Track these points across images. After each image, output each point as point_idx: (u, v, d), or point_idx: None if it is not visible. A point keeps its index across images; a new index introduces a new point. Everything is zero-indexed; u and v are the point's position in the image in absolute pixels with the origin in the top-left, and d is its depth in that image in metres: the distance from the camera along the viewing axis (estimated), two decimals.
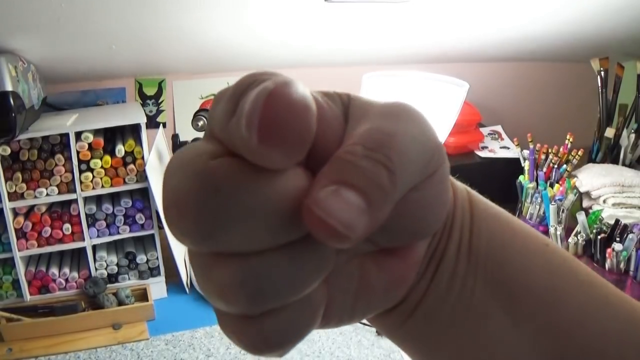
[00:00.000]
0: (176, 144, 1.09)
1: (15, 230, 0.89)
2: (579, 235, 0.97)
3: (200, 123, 1.02)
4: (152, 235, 0.98)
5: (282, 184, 0.14)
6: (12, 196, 0.88)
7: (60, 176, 0.90)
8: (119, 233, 0.96)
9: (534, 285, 0.20)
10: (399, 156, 0.15)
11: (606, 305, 0.21)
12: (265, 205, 0.14)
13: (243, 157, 0.14)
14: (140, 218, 0.96)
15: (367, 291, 0.18)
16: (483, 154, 1.36)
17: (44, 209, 0.92)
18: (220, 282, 0.14)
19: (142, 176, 0.94)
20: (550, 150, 1.16)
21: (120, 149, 0.92)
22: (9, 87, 0.78)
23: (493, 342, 0.20)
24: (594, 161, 1.36)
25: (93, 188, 0.92)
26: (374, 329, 0.92)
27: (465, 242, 0.20)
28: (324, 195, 0.13)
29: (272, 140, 0.13)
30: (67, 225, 0.92)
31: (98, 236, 0.95)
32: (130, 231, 0.96)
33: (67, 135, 0.88)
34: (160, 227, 0.97)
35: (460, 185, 0.21)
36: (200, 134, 1.07)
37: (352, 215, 0.13)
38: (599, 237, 0.94)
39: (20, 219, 0.89)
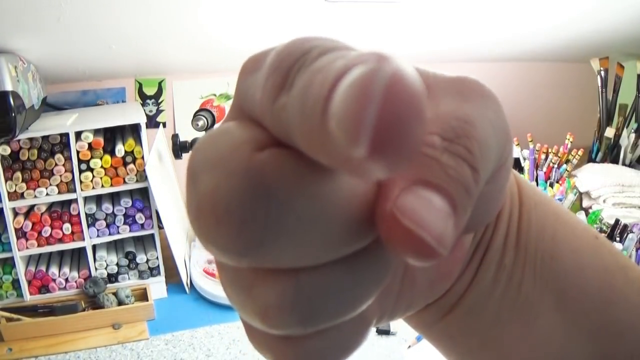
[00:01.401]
0: (176, 143, 1.09)
1: (15, 230, 0.89)
2: None
3: (200, 123, 1.02)
4: (152, 235, 0.98)
5: (348, 185, 0.11)
6: (12, 196, 0.88)
7: (60, 176, 0.90)
8: (119, 233, 0.96)
9: (587, 282, 0.19)
10: (480, 148, 0.12)
11: None
12: (330, 212, 0.11)
13: (294, 148, 0.10)
14: (140, 218, 0.96)
15: (411, 288, 0.17)
16: None
17: (44, 208, 0.92)
18: (265, 302, 0.11)
19: (142, 176, 0.94)
20: (550, 150, 1.16)
21: (120, 149, 0.92)
22: (9, 87, 0.78)
23: (541, 342, 0.19)
24: (594, 161, 1.36)
25: (93, 188, 0.92)
26: (374, 329, 0.92)
27: (513, 233, 0.18)
28: (410, 200, 0.10)
29: (387, 151, 0.09)
30: (67, 225, 0.92)
31: (98, 236, 0.95)
32: (130, 231, 0.96)
33: (67, 135, 0.88)
34: (160, 227, 0.97)
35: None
36: (201, 134, 1.07)
37: (442, 225, 0.10)
38: None
39: (20, 218, 0.89)
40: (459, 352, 0.20)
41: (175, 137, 1.10)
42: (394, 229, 0.10)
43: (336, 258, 0.11)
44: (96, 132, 0.92)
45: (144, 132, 0.94)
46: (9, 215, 0.87)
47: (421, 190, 0.11)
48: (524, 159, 1.18)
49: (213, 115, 1.05)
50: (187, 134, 1.12)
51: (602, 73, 1.31)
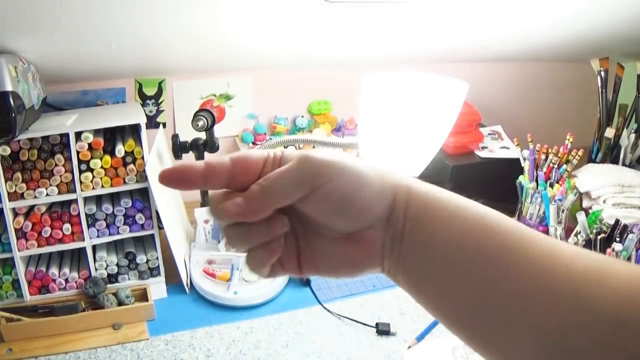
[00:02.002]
0: (176, 144, 1.09)
1: (15, 230, 0.89)
2: (579, 236, 0.97)
3: (200, 123, 1.02)
4: (152, 235, 0.98)
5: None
6: (12, 196, 0.88)
7: (60, 176, 0.90)
8: (119, 233, 0.96)
9: (454, 250, 0.30)
10: (270, 182, 0.31)
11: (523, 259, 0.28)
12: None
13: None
14: (140, 218, 0.96)
15: (347, 259, 0.33)
16: (483, 154, 1.36)
17: (43, 209, 0.92)
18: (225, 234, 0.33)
19: (142, 176, 0.94)
20: (550, 150, 1.16)
21: (120, 149, 0.92)
22: (9, 87, 0.78)
23: (441, 288, 0.31)
24: (594, 161, 1.36)
25: (93, 188, 0.92)
26: (374, 329, 0.92)
27: (400, 226, 0.32)
28: (228, 201, 0.31)
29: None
30: (67, 225, 0.92)
31: (98, 236, 0.95)
32: (130, 231, 0.96)
33: (67, 135, 0.88)
34: (160, 227, 0.97)
35: (404, 183, 0.32)
36: (201, 134, 1.07)
37: (231, 206, 0.31)
38: (599, 237, 0.94)
39: (20, 219, 0.89)
40: (412, 283, 0.33)
41: (175, 137, 1.10)
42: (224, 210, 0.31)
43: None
44: (96, 132, 0.92)
45: (144, 133, 0.94)
46: (9, 216, 0.87)
47: (236, 195, 0.31)
48: (524, 159, 1.18)
49: (213, 116, 1.05)
50: (187, 134, 1.12)
51: (602, 73, 1.31)
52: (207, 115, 1.04)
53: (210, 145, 1.09)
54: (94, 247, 0.96)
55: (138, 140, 0.94)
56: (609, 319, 0.23)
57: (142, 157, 0.94)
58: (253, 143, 1.35)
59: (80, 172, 0.90)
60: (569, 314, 0.24)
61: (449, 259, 0.29)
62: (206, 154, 1.12)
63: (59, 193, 0.90)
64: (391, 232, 0.32)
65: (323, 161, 0.30)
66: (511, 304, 0.27)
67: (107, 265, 0.96)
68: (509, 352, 0.27)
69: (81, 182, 0.91)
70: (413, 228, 0.31)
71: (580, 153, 1.14)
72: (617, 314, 0.23)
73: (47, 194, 0.90)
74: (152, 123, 1.28)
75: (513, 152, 1.33)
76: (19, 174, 0.87)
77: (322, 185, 0.30)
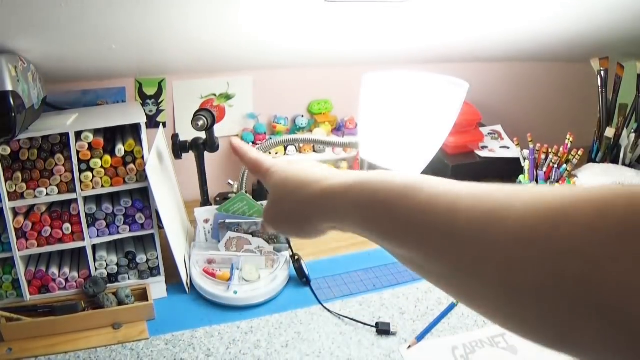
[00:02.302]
0: (176, 143, 1.09)
1: (15, 230, 0.89)
2: None
3: (200, 122, 1.02)
4: (152, 235, 0.98)
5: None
6: (12, 196, 0.88)
7: (60, 176, 0.90)
8: (119, 233, 0.96)
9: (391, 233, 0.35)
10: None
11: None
12: None
13: None
14: (140, 218, 0.96)
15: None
16: (483, 153, 1.36)
17: (43, 208, 0.92)
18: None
19: (142, 176, 0.94)
20: (550, 150, 1.16)
21: (120, 149, 0.92)
22: (9, 87, 0.78)
23: (402, 259, 0.36)
24: (594, 161, 1.36)
25: (93, 188, 0.92)
26: (374, 329, 0.92)
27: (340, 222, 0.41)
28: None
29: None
30: (67, 225, 0.92)
31: (98, 236, 0.95)
32: (130, 231, 0.96)
33: (67, 135, 0.88)
34: (160, 227, 0.97)
35: (349, 202, 0.39)
36: (201, 134, 1.07)
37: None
38: None
39: (20, 218, 0.89)
40: (388, 248, 0.37)
41: (175, 137, 1.10)
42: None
43: None
44: (96, 132, 0.92)
45: (144, 132, 0.94)
46: (9, 215, 0.87)
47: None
48: (524, 158, 1.18)
49: (213, 115, 1.05)
50: (187, 134, 1.12)
51: (602, 73, 1.31)
52: (207, 115, 1.04)
53: (210, 144, 1.09)
54: (94, 247, 0.96)
55: (138, 140, 0.94)
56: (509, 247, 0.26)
57: (142, 157, 0.94)
58: (253, 143, 1.35)
59: (80, 171, 0.90)
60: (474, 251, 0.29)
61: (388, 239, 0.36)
62: (206, 153, 1.12)
63: (59, 193, 0.90)
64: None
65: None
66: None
67: (107, 265, 0.96)
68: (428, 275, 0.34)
69: (81, 182, 0.91)
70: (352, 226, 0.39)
71: (580, 153, 1.14)
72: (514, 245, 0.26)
73: (47, 194, 0.90)
74: (152, 123, 1.28)
75: (513, 152, 1.33)
76: (19, 174, 0.87)
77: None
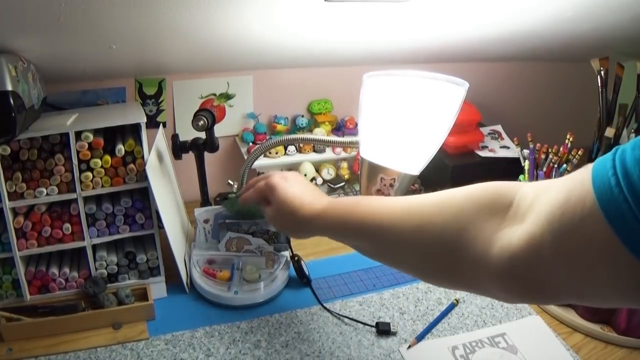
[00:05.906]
0: (176, 143, 1.09)
1: (15, 230, 0.89)
2: None
3: (201, 123, 1.02)
4: (152, 235, 0.98)
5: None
6: (12, 196, 0.88)
7: (60, 176, 0.90)
8: (119, 232, 0.96)
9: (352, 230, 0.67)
10: (265, 182, 0.85)
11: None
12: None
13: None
14: (140, 218, 0.96)
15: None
16: (483, 153, 1.36)
17: (43, 208, 0.92)
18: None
19: (142, 176, 0.94)
20: (550, 150, 1.16)
21: (120, 149, 0.92)
22: (9, 87, 0.78)
23: (357, 245, 0.68)
24: (593, 161, 1.36)
25: (93, 188, 0.92)
26: (374, 329, 0.92)
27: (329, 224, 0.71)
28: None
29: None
30: (67, 225, 0.92)
31: (98, 236, 0.95)
32: (130, 231, 0.96)
33: (67, 135, 0.88)
34: (160, 227, 0.97)
35: (324, 221, 0.71)
36: (201, 134, 1.07)
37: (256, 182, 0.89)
38: None
39: (20, 218, 0.89)
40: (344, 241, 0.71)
41: (175, 137, 1.10)
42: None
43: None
44: (96, 132, 0.92)
45: (144, 132, 0.94)
46: (9, 216, 0.87)
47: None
48: (524, 158, 1.18)
49: (213, 115, 1.05)
50: (187, 133, 1.12)
51: (602, 73, 1.31)
52: (207, 115, 1.04)
53: (210, 144, 1.09)
54: (94, 247, 0.96)
55: (138, 140, 0.94)
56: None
57: (142, 157, 0.94)
58: (253, 142, 1.35)
59: (80, 171, 0.90)
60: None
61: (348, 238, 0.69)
62: (206, 153, 1.12)
63: (59, 193, 0.90)
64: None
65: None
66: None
67: (107, 265, 0.96)
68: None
69: (81, 182, 0.91)
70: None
71: (580, 152, 1.13)
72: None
73: (47, 194, 0.90)
74: (152, 122, 1.28)
75: (513, 152, 1.33)
76: (19, 174, 0.87)
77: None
